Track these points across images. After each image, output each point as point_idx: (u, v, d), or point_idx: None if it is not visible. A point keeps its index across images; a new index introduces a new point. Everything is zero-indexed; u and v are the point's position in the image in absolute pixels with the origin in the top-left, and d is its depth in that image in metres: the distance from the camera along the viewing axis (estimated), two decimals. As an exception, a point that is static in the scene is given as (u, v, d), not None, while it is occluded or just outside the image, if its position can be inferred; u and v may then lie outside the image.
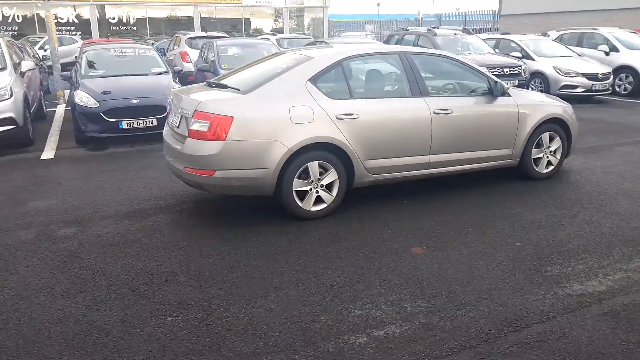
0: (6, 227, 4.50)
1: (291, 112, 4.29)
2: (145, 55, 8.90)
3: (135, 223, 4.55)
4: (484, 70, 5.44)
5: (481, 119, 5.09)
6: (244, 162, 4.21)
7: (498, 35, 14.58)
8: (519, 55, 11.73)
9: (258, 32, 30.76)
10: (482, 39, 12.41)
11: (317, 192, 4.50)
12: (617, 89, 12.44)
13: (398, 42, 12.54)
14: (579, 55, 12.20)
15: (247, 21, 32.89)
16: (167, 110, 5.17)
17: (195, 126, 4.22)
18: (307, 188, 4.46)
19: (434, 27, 12.34)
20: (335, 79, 4.62)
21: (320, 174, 4.46)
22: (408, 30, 12.84)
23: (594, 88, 11.24)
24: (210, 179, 4.24)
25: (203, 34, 16.08)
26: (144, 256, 3.86)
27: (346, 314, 3.01)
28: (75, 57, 13.77)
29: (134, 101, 7.52)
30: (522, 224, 4.39)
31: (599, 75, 11.26)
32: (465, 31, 12.41)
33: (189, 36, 14.47)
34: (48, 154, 7.20)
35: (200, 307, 3.13)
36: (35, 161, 6.81)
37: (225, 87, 4.65)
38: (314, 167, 4.42)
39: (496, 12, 33.03)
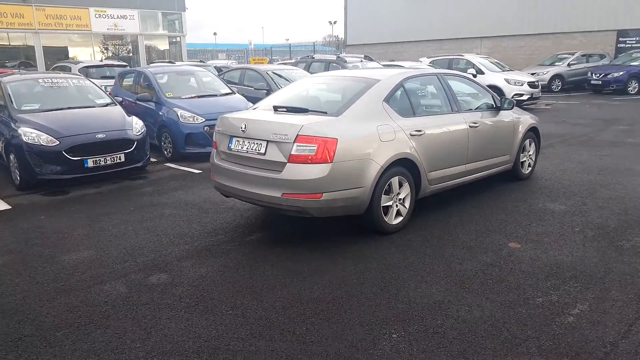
0: (75, 286, 3.81)
1: (379, 131, 4.49)
2: (82, 85, 7.98)
3: (218, 259, 4.23)
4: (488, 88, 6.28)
5: (496, 129, 5.86)
6: (347, 183, 4.27)
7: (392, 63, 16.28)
8: (474, 72, 13.37)
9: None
10: (383, 65, 13.67)
11: (396, 205, 4.73)
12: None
13: (306, 69, 13.11)
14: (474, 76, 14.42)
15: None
16: (214, 138, 4.95)
17: (298, 150, 4.16)
18: (390, 203, 4.66)
19: (339, 55, 13.23)
20: (400, 99, 4.93)
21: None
22: (314, 58, 13.52)
23: (533, 95, 13.82)
24: (317, 202, 4.20)
25: (97, 62, 14.65)
26: (285, 283, 3.68)
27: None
28: None
29: (99, 136, 6.74)
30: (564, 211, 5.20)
31: (535, 84, 14.03)
32: (367, 58, 13.54)
33: (82, 65, 13.09)
34: None
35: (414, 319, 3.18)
36: (-5, 213, 5.70)
37: (301, 110, 4.62)
38: (395, 182, 4.65)
39: (314, 44, 36.03)
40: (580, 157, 7.89)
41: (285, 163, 4.21)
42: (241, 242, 4.61)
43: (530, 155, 6.65)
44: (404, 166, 4.71)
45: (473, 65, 15.32)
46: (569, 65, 21.08)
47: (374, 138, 4.45)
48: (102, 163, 6.74)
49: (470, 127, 5.42)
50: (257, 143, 4.44)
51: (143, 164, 7.32)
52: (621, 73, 18.62)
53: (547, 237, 4.56)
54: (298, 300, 3.49)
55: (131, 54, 30.05)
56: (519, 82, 14.60)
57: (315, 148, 4.12)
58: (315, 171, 4.12)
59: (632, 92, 18.23)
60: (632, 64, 19.03)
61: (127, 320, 3.30)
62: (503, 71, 15.61)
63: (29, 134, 6.48)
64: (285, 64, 14.31)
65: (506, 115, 6.08)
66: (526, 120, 6.45)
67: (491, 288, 3.60)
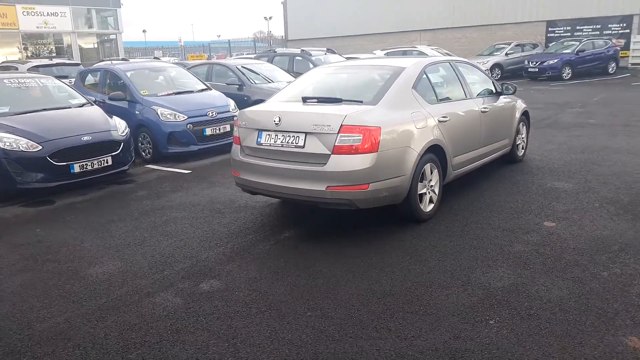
0: (121, 301, 3.47)
1: (413, 118, 4.45)
2: (53, 85, 7.33)
3: (263, 260, 4.02)
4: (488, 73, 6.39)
5: (499, 114, 5.99)
6: (391, 171, 4.19)
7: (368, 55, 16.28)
8: None
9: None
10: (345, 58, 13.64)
11: (428, 193, 4.71)
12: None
13: (269, 62, 12.85)
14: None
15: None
16: (235, 133, 4.71)
17: (343, 141, 4.02)
18: (424, 190, 4.64)
19: (303, 49, 13.05)
20: (425, 86, 4.89)
21: (426, 175, 4.70)
22: (276, 52, 13.26)
23: None
24: (364, 193, 4.09)
25: (48, 62, 13.47)
26: (348, 279, 3.54)
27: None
28: None
29: (85, 138, 6.23)
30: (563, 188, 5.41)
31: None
32: (330, 51, 13.46)
33: (31, 65, 12.00)
34: (-20, 219, 5.43)
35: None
36: (-20, 229, 5.10)
37: (334, 100, 4.47)
38: (427, 169, 4.63)
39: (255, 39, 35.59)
40: (556, 139, 8.27)
41: (329, 155, 4.06)
42: (277, 241, 4.40)
43: (523, 138, 6.88)
44: (433, 152, 4.70)
45: (427, 56, 15.65)
46: (506, 54, 22.13)
47: (411, 125, 4.40)
48: (89, 168, 6.24)
49: (482, 112, 5.50)
50: (293, 136, 4.25)
51: (129, 167, 6.86)
52: (555, 60, 19.80)
53: (574, 214, 4.71)
54: (373, 295, 3.38)
55: (57, 53, 28.13)
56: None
57: (361, 138, 4.00)
58: (361, 161, 4.01)
59: (566, 78, 19.43)
60: (564, 51, 20.28)
61: (202, 333, 3.04)
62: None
63: (5, 140, 5.85)
64: (246, 58, 13.91)
65: (505, 100, 6.24)
66: (520, 104, 6.65)
67: (554, 267, 3.65)
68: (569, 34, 23.99)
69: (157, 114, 7.80)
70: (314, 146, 4.13)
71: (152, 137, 7.87)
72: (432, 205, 4.76)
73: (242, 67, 10.59)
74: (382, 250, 4.10)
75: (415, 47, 16.65)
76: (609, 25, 22.93)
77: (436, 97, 4.98)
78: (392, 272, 3.71)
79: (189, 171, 7.28)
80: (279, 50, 13.56)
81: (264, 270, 3.85)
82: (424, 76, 4.90)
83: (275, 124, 4.31)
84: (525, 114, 6.80)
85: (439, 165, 4.80)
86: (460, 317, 3.06)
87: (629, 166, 6.32)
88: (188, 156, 7.98)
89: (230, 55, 35.60)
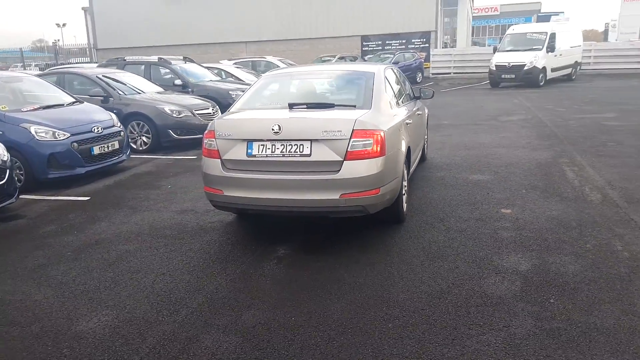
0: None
1: (395, 120, 4.56)
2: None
3: (292, 271, 3.71)
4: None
5: (422, 115, 6.48)
6: (392, 174, 4.23)
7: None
8: None
9: None
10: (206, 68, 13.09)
11: (405, 193, 4.87)
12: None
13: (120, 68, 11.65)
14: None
15: None
16: (209, 147, 4.21)
17: (355, 146, 3.91)
18: (404, 191, 4.79)
19: (161, 57, 12.09)
20: (389, 90, 5.00)
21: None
22: (126, 60, 12.01)
23: None
24: (375, 198, 4.04)
25: None
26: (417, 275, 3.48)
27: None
28: None
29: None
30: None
31: None
32: (188, 60, 12.72)
33: None
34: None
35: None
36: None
37: (326, 105, 4.32)
38: (404, 170, 4.80)
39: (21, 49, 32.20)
40: (434, 139, 9.20)
41: (342, 161, 3.92)
42: (279, 259, 4.07)
43: (426, 139, 7.54)
44: (405, 155, 4.88)
45: (277, 67, 15.95)
46: (332, 65, 23.72)
47: (397, 128, 4.50)
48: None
49: (417, 114, 5.90)
50: (297, 144, 3.97)
51: (15, 199, 5.55)
52: (377, 71, 21.95)
53: (516, 200, 5.35)
54: (426, 296, 3.38)
55: None
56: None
57: (372, 142, 3.96)
58: (374, 166, 3.97)
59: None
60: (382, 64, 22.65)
61: (302, 366, 2.67)
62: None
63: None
64: (103, 67, 12.23)
65: (419, 104, 6.77)
66: (424, 107, 7.28)
67: (548, 246, 4.11)
68: (380, 47, 26.84)
69: (30, 133, 6.43)
70: (323, 154, 3.94)
71: (23, 161, 6.44)
72: (405, 205, 4.93)
73: (103, 76, 9.37)
74: (395, 252, 4.12)
75: (264, 58, 16.83)
76: (412, 40, 26.35)
77: (397, 100, 5.17)
78: (427, 270, 3.75)
79: (86, 198, 6.19)
80: (129, 58, 12.28)
81: (294, 289, 3.54)
82: (387, 80, 5.06)
83: (274, 132, 3.98)
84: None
85: (408, 166, 5.01)
86: (520, 299, 3.26)
87: (513, 157, 7.41)
88: (71, 181, 6.76)
89: (24, 67, 30.95)
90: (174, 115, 8.92)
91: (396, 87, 5.48)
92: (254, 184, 4.07)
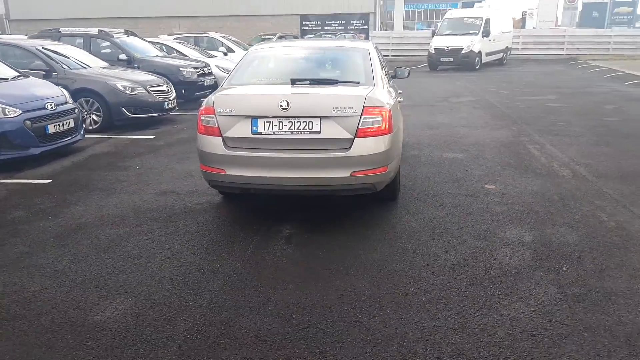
0: (197, 346, 2.71)
1: (393, 98, 4.56)
2: None
3: (313, 247, 3.65)
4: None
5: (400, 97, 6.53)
6: (396, 152, 4.24)
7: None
8: (225, 50, 12.80)
9: None
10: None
11: (396, 171, 4.91)
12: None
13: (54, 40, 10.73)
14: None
15: None
16: (207, 123, 4.01)
17: (365, 123, 3.87)
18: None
19: (102, 29, 11.24)
20: (381, 68, 4.98)
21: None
22: (60, 31, 11.05)
23: None
24: (384, 176, 4.04)
25: None
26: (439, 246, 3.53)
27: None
28: None
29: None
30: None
31: None
32: (131, 33, 11.95)
33: None
34: None
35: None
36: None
37: (330, 82, 4.22)
38: (398, 148, 4.82)
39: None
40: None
41: (353, 139, 3.86)
42: (286, 238, 3.98)
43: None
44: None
45: (222, 44, 15.42)
46: (273, 44, 23.34)
47: (395, 105, 4.51)
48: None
49: (399, 93, 5.94)
50: (306, 121, 3.85)
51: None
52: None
53: (496, 177, 5.56)
54: (450, 267, 3.46)
55: None
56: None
57: (381, 119, 3.93)
58: (383, 143, 3.95)
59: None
60: (323, 43, 22.59)
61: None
62: (245, 49, 16.24)
63: None
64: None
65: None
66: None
67: (537, 220, 4.31)
68: (319, 27, 26.73)
69: (-25, 109, 5.80)
70: (333, 131, 3.86)
71: (-31, 141, 5.82)
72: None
73: (43, 48, 8.58)
74: (401, 228, 4.16)
75: (207, 34, 16.16)
76: (352, 21, 26.48)
77: (387, 78, 5.16)
78: (437, 245, 3.82)
79: (47, 180, 5.70)
80: (65, 29, 11.28)
81: (314, 268, 3.49)
82: (378, 58, 5.03)
83: (283, 108, 3.84)
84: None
85: (400, 144, 5.05)
86: (536, 268, 3.42)
87: (477, 137, 7.69)
88: (23, 163, 6.19)
89: None
90: (127, 92, 8.38)
91: (384, 65, 5.48)
92: (260, 162, 3.93)
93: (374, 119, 3.90)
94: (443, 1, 58.64)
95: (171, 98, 9.12)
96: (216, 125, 4.00)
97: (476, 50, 19.95)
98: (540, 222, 4.26)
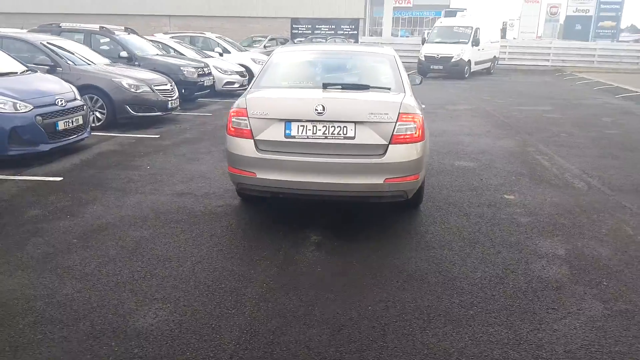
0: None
1: (421, 105, 4.53)
2: None
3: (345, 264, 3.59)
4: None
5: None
6: (426, 159, 4.21)
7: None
8: (220, 51, 12.63)
9: None
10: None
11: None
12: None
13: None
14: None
15: None
16: (238, 126, 3.92)
17: (400, 130, 3.83)
18: (422, 176, 4.79)
19: (103, 25, 11.02)
20: (406, 74, 4.95)
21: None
22: (61, 26, 10.80)
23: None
24: (415, 183, 4.02)
25: None
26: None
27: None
28: None
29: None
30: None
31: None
32: (131, 31, 11.73)
33: None
34: None
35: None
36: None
37: (361, 87, 4.17)
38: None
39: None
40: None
41: (387, 145, 3.82)
42: (316, 246, 3.92)
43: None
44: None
45: (218, 44, 15.27)
46: (264, 47, 23.22)
47: (422, 113, 4.48)
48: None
49: (417, 101, 5.93)
50: (340, 126, 3.80)
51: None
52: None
53: (513, 187, 5.58)
54: (490, 280, 3.44)
55: None
56: (263, 62, 15.42)
57: (414, 126, 3.90)
58: (415, 150, 3.92)
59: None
60: (316, 47, 22.60)
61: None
62: (240, 51, 16.11)
63: None
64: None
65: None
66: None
67: (565, 232, 4.32)
68: (310, 31, 26.72)
69: (-17, 102, 5.60)
70: (367, 136, 3.81)
71: (-24, 135, 5.61)
72: (421, 190, 4.95)
73: (48, 43, 8.36)
74: (431, 237, 4.13)
75: (203, 34, 16.00)
76: (342, 26, 26.54)
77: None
78: (472, 256, 3.80)
79: (58, 178, 5.53)
80: (65, 25, 11.04)
81: (353, 276, 3.43)
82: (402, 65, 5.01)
83: (318, 113, 3.77)
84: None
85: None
86: (576, 282, 3.42)
87: (483, 145, 7.73)
88: (32, 159, 6.01)
89: None
90: (132, 90, 8.21)
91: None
92: (292, 166, 3.86)
93: (408, 126, 3.87)
94: (427, 9, 59.29)
95: (174, 97, 8.97)
96: (248, 128, 3.92)
97: (466, 59, 20.17)
98: (568, 234, 4.27)
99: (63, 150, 6.39)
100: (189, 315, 2.92)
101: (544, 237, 4.19)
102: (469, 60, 20.47)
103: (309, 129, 3.83)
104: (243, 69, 13.53)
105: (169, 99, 8.78)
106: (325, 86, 4.13)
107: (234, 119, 4.01)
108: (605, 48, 26.90)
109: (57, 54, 8.16)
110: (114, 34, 10.73)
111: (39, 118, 5.85)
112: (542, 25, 44.20)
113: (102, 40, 11.12)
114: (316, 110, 3.78)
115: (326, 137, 3.82)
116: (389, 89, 4.32)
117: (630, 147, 7.79)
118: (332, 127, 3.82)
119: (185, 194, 5.12)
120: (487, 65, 22.63)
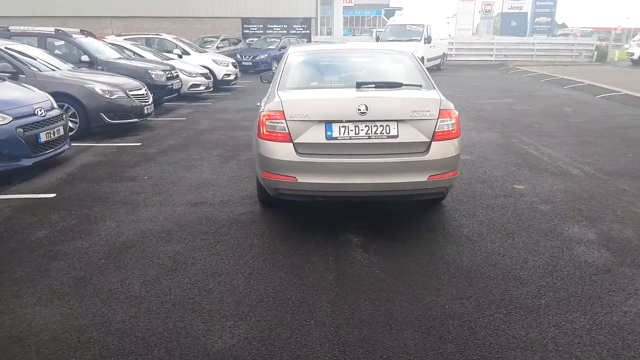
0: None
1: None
2: None
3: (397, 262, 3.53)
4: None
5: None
6: (460, 155, 4.22)
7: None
8: (179, 52, 12.12)
9: None
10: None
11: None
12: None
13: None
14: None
15: None
16: (275, 129, 3.77)
17: (441, 127, 3.82)
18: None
19: (58, 29, 10.32)
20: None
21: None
22: (10, 30, 10.01)
23: (237, 75, 14.56)
24: (454, 179, 4.03)
25: None
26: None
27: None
28: None
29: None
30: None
31: (235, 64, 15.30)
32: (88, 33, 11.07)
33: None
34: None
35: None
36: None
37: (394, 85, 4.11)
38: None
39: None
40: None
41: (430, 142, 3.79)
42: (357, 246, 3.84)
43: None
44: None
45: (176, 46, 14.75)
46: (217, 48, 22.71)
47: (448, 109, 4.50)
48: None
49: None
50: (383, 125, 3.73)
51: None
52: (265, 55, 21.66)
53: (518, 177, 5.73)
54: (544, 268, 3.49)
55: None
56: (224, 63, 15.07)
57: (453, 122, 3.91)
58: (454, 146, 3.93)
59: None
60: (269, 47, 22.36)
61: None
62: (199, 52, 15.66)
63: None
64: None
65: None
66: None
67: (587, 217, 4.47)
68: (261, 31, 26.39)
69: (-41, 115, 5.09)
70: (410, 134, 3.77)
71: (-49, 151, 5.09)
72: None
73: (6, 48, 7.73)
74: (467, 230, 4.15)
75: (160, 35, 15.38)
76: (294, 26, 26.39)
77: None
78: (515, 246, 3.85)
79: (51, 195, 5.12)
80: (14, 28, 10.21)
81: (406, 278, 3.38)
82: (420, 62, 5.00)
83: (361, 113, 3.69)
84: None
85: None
86: (621, 264, 3.54)
87: (469, 138, 7.89)
88: (12, 175, 5.52)
89: None
90: (106, 96, 7.75)
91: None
92: (335, 168, 3.75)
93: (448, 122, 3.87)
94: (368, 8, 60.31)
95: (149, 102, 8.56)
96: (286, 131, 3.77)
97: (419, 56, 20.58)
98: (590, 219, 4.42)
99: (42, 164, 5.90)
100: (269, 331, 2.76)
101: (571, 223, 4.31)
102: (422, 58, 20.90)
103: (351, 130, 3.74)
104: (207, 71, 13.14)
105: (145, 104, 8.37)
106: (359, 85, 4.04)
107: (268, 122, 3.84)
108: (543, 42, 28.42)
109: (18, 59, 7.56)
110: (71, 37, 10.09)
111: (20, 130, 5.38)
112: (477, 22, 46.13)
113: (56, 44, 10.46)
114: (359, 110, 3.70)
115: (369, 137, 3.74)
116: (420, 85, 4.29)
117: (601, 134, 8.21)
118: (374, 126, 3.74)
119: (200, 203, 4.87)
120: (438, 62, 23.23)
